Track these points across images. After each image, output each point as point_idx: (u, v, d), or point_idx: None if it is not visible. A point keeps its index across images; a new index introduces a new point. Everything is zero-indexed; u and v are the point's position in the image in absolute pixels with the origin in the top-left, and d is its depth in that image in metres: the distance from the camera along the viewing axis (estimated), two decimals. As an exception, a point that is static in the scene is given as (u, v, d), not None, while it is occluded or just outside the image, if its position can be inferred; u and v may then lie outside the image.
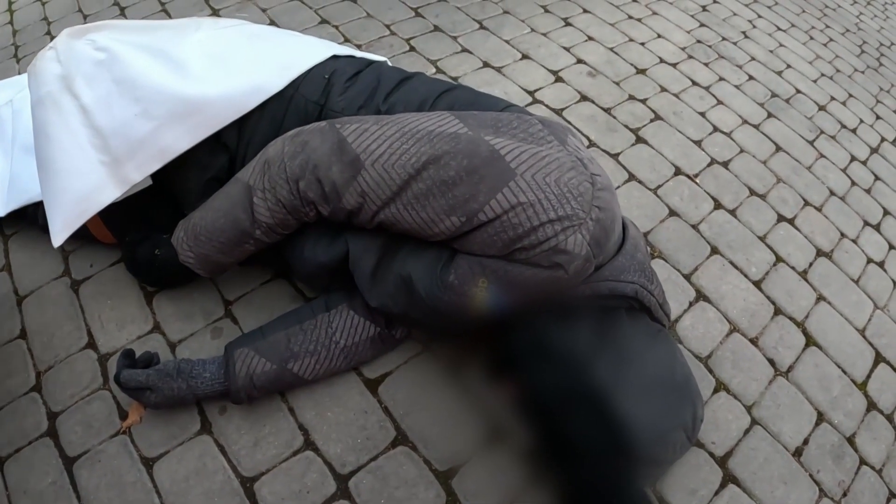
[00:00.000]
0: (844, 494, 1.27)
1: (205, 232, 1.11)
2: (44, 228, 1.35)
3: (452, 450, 1.16)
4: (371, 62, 1.24)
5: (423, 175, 0.91)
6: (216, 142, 1.15)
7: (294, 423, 1.17)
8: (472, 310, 0.97)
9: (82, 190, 1.11)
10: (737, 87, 2.16)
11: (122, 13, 2.15)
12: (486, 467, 1.15)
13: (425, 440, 1.17)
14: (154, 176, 1.20)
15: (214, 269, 1.18)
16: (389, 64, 1.28)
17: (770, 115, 2.09)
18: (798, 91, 2.26)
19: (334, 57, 1.22)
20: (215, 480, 1.10)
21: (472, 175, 0.89)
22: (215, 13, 2.17)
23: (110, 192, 1.12)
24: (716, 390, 1.34)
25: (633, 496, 0.96)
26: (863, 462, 1.33)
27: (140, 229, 1.29)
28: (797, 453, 1.29)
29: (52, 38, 1.18)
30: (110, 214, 1.24)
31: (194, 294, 1.34)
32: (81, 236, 1.25)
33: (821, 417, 1.36)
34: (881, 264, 1.75)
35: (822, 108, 2.23)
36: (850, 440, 1.35)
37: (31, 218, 1.44)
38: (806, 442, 1.32)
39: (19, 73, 1.94)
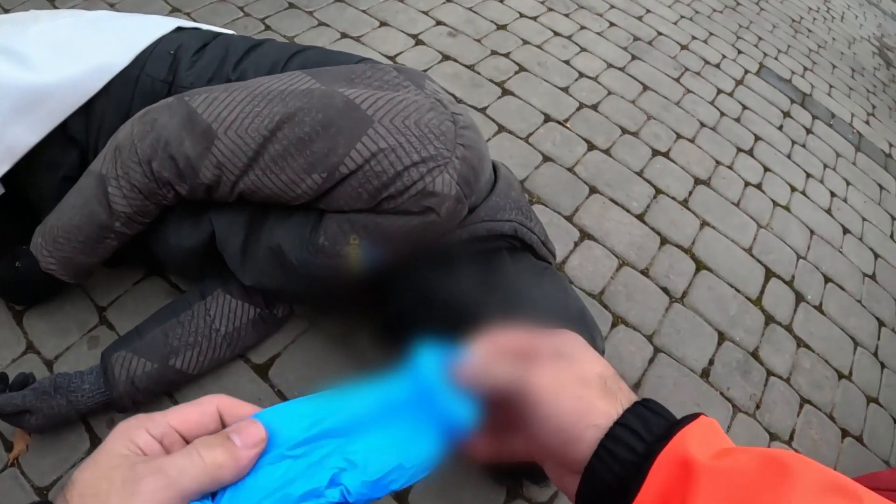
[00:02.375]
0: (758, 407, 1.26)
1: (63, 233, 1.01)
2: None
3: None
4: (218, 34, 1.16)
5: (279, 135, 0.86)
6: (64, 136, 1.06)
7: (188, 423, 1.04)
8: (348, 270, 0.92)
9: None
10: (598, 34, 2.15)
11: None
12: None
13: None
14: (6, 185, 1.09)
15: (79, 273, 1.08)
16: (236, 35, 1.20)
17: (634, 58, 2.09)
18: (659, 33, 2.28)
19: (179, 30, 1.14)
20: (114, 497, 0.95)
21: (329, 128, 0.84)
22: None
23: None
24: (614, 325, 1.29)
25: None
26: (770, 373, 1.32)
27: None
28: (705, 374, 1.27)
29: None
30: None
31: (65, 306, 1.20)
32: None
33: (722, 337, 1.35)
34: (759, 186, 1.78)
35: (684, 47, 2.26)
36: (755, 354, 1.34)
37: None
38: (711, 362, 1.30)
39: None
